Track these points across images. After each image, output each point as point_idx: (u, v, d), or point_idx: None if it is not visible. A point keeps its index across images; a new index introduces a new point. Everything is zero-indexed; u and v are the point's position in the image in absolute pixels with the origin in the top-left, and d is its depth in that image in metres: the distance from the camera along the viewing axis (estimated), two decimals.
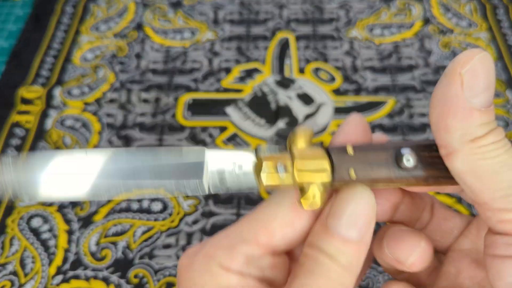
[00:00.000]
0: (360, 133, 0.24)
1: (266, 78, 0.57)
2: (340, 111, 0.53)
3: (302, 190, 0.21)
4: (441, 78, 0.20)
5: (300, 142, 0.22)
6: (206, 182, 0.21)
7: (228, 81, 0.57)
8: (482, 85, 0.19)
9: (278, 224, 0.22)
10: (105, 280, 0.42)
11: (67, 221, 0.46)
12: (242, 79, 0.57)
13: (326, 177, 0.21)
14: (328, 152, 0.22)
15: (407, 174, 0.22)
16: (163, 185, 0.21)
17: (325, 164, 0.21)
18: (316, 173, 0.21)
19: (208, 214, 0.46)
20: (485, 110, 0.19)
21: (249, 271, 0.22)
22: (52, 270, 0.43)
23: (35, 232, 0.45)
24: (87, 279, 0.43)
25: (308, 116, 0.53)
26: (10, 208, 0.47)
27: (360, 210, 0.21)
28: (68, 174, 0.21)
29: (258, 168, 0.21)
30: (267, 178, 0.21)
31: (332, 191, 0.23)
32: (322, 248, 0.21)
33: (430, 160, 0.22)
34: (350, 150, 0.22)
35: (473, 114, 0.19)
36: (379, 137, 0.25)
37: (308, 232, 0.22)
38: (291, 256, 0.24)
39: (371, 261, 0.27)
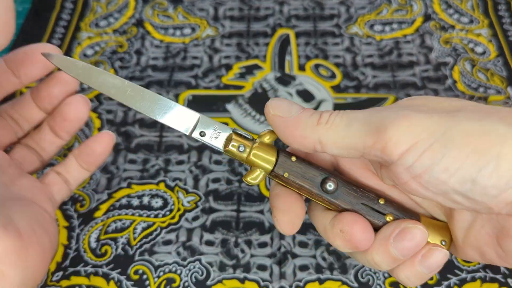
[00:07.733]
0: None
1: (266, 74, 0.57)
2: (340, 107, 0.53)
3: (250, 170, 0.31)
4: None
5: (266, 138, 0.32)
6: (191, 127, 0.32)
7: (228, 77, 0.57)
8: (285, 106, 0.30)
9: None
10: (106, 276, 0.42)
11: (67, 218, 0.46)
12: (242, 75, 0.57)
13: (268, 167, 0.31)
14: (278, 152, 0.31)
15: (327, 196, 0.31)
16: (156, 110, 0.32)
17: (272, 159, 0.31)
18: (262, 161, 0.31)
19: (208, 211, 0.46)
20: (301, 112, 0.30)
21: None
22: (52, 266, 0.43)
23: None
24: (87, 275, 0.43)
25: None
26: None
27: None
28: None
29: (228, 139, 0.32)
30: (231, 147, 0.31)
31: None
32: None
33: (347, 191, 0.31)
34: (293, 159, 0.31)
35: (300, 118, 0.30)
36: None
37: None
38: None
39: None
